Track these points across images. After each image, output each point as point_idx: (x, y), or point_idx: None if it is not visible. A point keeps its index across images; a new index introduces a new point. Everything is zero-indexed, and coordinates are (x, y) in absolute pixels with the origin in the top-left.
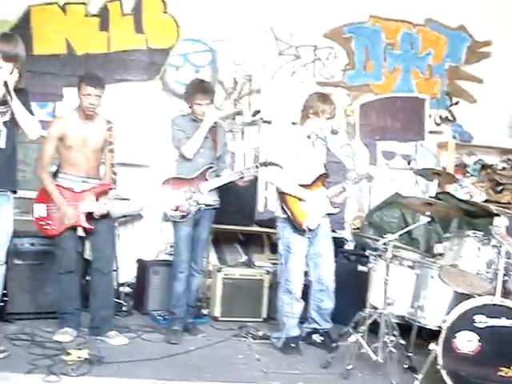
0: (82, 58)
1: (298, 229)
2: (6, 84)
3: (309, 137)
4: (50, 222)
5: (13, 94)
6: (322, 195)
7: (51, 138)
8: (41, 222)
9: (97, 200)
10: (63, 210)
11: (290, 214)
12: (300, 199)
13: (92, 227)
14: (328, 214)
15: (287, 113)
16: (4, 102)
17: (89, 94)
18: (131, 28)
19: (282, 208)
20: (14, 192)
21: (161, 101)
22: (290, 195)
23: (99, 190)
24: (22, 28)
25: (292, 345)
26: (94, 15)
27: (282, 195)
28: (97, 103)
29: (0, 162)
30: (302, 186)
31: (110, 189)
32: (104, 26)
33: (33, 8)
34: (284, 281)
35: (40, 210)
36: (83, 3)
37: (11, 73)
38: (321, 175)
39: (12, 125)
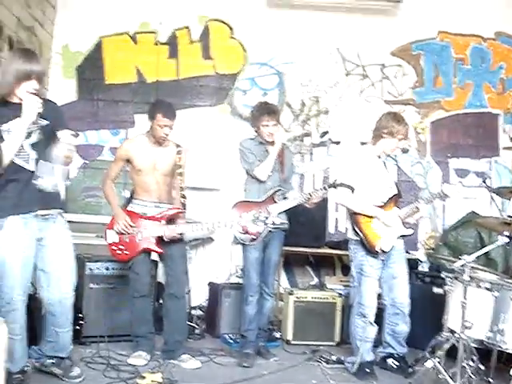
0: (153, 86)
1: (370, 251)
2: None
3: (379, 156)
4: (122, 246)
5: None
6: (395, 216)
7: (119, 158)
8: (113, 248)
9: (168, 224)
10: (116, 215)
11: (362, 236)
12: (373, 217)
13: (162, 251)
14: (402, 236)
15: (356, 133)
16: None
17: (165, 125)
18: (199, 54)
19: (354, 230)
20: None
21: (229, 125)
22: (363, 216)
23: (169, 214)
24: (95, 58)
25: (367, 370)
26: (163, 43)
27: (353, 216)
28: (169, 133)
29: (25, 184)
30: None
31: (180, 213)
32: (173, 53)
33: (104, 39)
34: (357, 304)
35: (112, 235)
36: (153, 32)
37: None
38: (393, 196)
39: (42, 147)
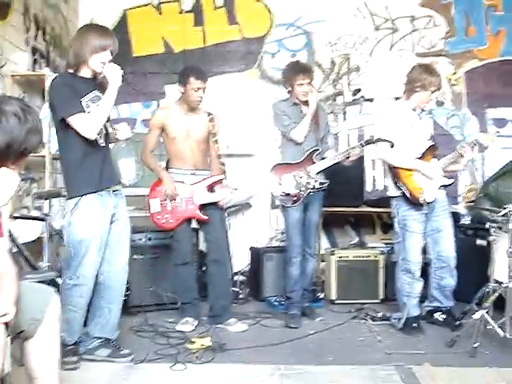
0: (180, 55)
1: (414, 203)
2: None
3: (414, 110)
4: (166, 215)
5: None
6: (435, 167)
7: (153, 127)
8: (158, 217)
9: (209, 191)
10: (166, 181)
11: (405, 189)
12: (415, 170)
13: (207, 218)
14: (443, 186)
15: (389, 88)
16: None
17: (198, 88)
18: (225, 20)
19: (396, 184)
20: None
21: (259, 89)
22: (403, 169)
23: (210, 182)
24: (120, 32)
25: (413, 325)
26: (188, 11)
27: (394, 171)
28: (203, 96)
29: (108, 159)
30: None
31: (221, 179)
32: (198, 21)
33: (128, 11)
34: (402, 260)
35: (155, 205)
36: (177, 0)
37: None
38: (430, 147)
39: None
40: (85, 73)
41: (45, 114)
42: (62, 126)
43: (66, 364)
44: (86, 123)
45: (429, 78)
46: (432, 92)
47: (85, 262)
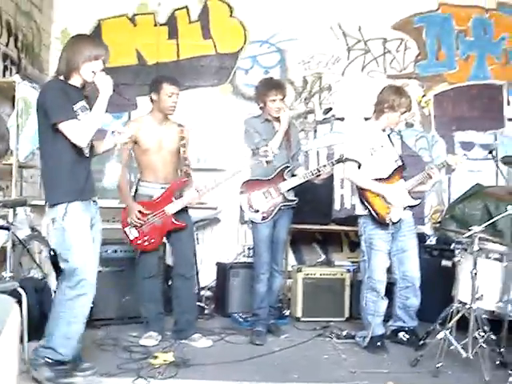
0: (153, 67)
1: (380, 223)
2: None
3: (384, 130)
4: (146, 237)
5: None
6: (401, 188)
7: None
8: (139, 242)
9: (177, 198)
10: (128, 209)
11: (371, 209)
12: (379, 195)
13: (184, 224)
14: (410, 207)
15: (359, 108)
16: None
17: (172, 93)
18: (199, 34)
19: (363, 203)
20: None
21: (231, 105)
22: (370, 190)
23: (174, 188)
24: None
25: (378, 343)
26: (163, 24)
27: (361, 191)
28: (177, 102)
29: (91, 170)
30: (379, 179)
31: (185, 182)
32: (173, 34)
33: (103, 22)
34: (367, 278)
35: (132, 232)
36: (152, 13)
37: None
38: (398, 168)
39: None
40: (75, 81)
41: (13, 121)
42: (51, 131)
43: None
44: (79, 130)
45: (398, 100)
46: (402, 113)
47: (87, 268)
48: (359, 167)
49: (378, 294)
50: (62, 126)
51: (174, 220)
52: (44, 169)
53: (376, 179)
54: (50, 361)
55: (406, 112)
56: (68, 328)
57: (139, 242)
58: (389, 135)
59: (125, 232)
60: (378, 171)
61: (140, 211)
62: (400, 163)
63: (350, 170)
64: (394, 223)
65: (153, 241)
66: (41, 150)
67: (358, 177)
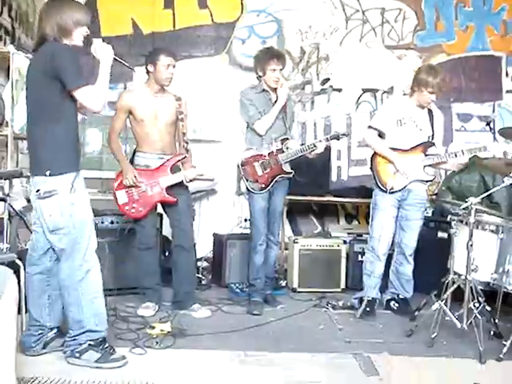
0: (149, 37)
1: (381, 188)
2: None
3: (423, 108)
4: (134, 205)
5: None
6: (416, 160)
7: (120, 110)
8: (126, 208)
9: (173, 172)
10: (124, 170)
11: (375, 173)
12: (388, 160)
13: (176, 199)
14: (423, 181)
15: (357, 79)
16: None
17: (168, 65)
18: (195, 4)
19: (371, 169)
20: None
21: (228, 75)
22: (381, 157)
23: (173, 162)
24: (89, 11)
25: (367, 309)
26: None
27: (372, 158)
28: (173, 73)
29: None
30: (398, 150)
31: (184, 157)
32: (168, 3)
33: None
34: (369, 237)
35: (122, 196)
36: None
37: None
38: (423, 143)
39: None
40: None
41: (8, 92)
42: (58, 96)
43: (114, 361)
44: (95, 96)
45: (426, 79)
46: (430, 93)
47: (91, 242)
48: (379, 135)
49: (375, 252)
50: (79, 92)
51: (165, 193)
52: (42, 136)
53: (394, 149)
54: (93, 342)
55: (433, 93)
56: (93, 305)
57: (126, 208)
58: (431, 112)
59: (115, 195)
60: (401, 142)
61: (135, 176)
62: (426, 139)
63: (368, 135)
64: (397, 191)
65: (140, 209)
66: (39, 116)
67: (373, 141)
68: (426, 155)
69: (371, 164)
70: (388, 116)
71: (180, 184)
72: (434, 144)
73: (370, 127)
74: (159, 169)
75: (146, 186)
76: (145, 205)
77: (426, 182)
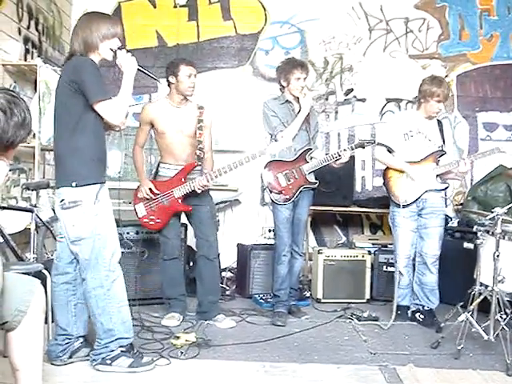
0: (174, 49)
1: (395, 203)
2: None
3: (430, 118)
4: (152, 217)
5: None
6: (428, 169)
7: (142, 122)
8: (145, 220)
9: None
10: (141, 183)
11: (387, 189)
12: (403, 172)
13: (190, 208)
14: (437, 190)
15: (381, 89)
16: None
17: (190, 74)
18: (219, 16)
19: (384, 184)
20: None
21: (252, 86)
22: (395, 171)
23: (186, 171)
24: None
25: (398, 312)
26: (182, 6)
27: (384, 173)
28: (195, 83)
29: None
30: (410, 162)
31: (195, 166)
32: (193, 15)
33: (123, 4)
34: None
35: (140, 209)
36: None
37: None
38: (434, 152)
39: None
40: (94, 60)
41: (35, 105)
42: (82, 107)
43: (146, 365)
44: (116, 109)
45: (430, 89)
46: (437, 102)
47: (115, 253)
48: (389, 151)
49: (396, 267)
50: (99, 106)
51: (179, 203)
52: (69, 147)
53: (407, 161)
54: (124, 348)
55: (440, 101)
56: (120, 314)
57: (145, 220)
58: (440, 123)
59: (135, 209)
60: (410, 155)
61: (150, 189)
62: (435, 149)
63: (378, 152)
64: (411, 203)
65: (158, 221)
66: (66, 128)
67: (383, 156)
68: (438, 164)
69: (384, 179)
70: (394, 131)
71: (204, 194)
72: (445, 153)
73: (378, 144)
74: (174, 179)
75: (162, 198)
76: (162, 216)
77: (440, 190)
